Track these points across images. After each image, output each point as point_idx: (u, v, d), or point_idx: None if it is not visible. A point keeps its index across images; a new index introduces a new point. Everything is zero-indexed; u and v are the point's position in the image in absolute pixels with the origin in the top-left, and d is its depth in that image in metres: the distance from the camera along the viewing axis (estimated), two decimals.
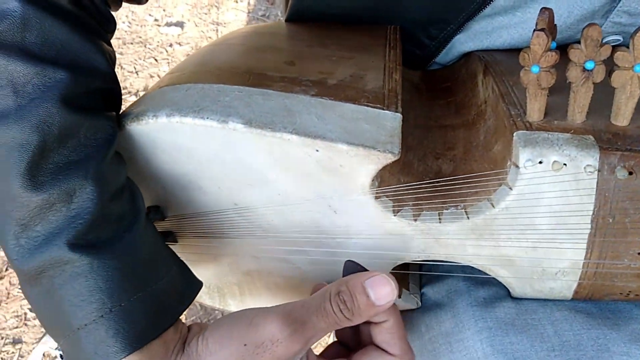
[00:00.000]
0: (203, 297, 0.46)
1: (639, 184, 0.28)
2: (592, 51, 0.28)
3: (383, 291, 0.29)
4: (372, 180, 0.32)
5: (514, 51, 0.41)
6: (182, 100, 0.33)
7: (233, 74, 0.36)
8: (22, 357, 0.93)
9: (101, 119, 0.31)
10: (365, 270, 0.32)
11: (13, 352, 0.94)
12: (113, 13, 0.36)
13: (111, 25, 0.35)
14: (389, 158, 0.31)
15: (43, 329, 0.95)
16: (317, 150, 0.31)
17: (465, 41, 0.44)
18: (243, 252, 0.40)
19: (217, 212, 0.37)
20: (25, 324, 0.98)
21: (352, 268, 0.32)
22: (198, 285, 0.33)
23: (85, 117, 0.30)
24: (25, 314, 0.99)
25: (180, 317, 0.31)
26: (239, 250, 0.39)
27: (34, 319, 0.98)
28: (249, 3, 1.82)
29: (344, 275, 0.32)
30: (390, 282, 0.30)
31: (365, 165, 0.31)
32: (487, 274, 0.36)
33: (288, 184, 0.34)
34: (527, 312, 0.35)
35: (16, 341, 0.96)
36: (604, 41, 0.39)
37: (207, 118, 0.32)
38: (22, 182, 0.27)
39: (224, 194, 0.36)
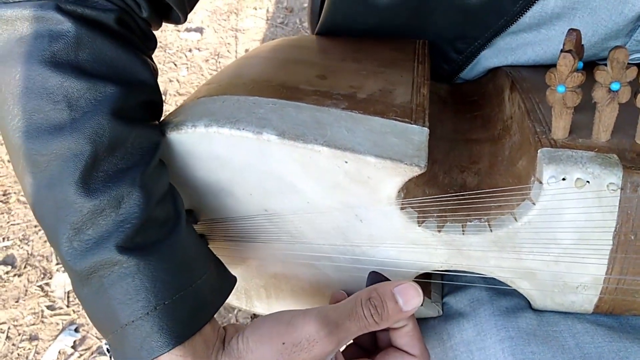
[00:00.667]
0: (230, 298, 0.47)
1: None
2: (618, 73, 0.29)
3: (410, 298, 0.32)
4: (398, 192, 0.33)
5: (540, 67, 0.42)
6: (219, 111, 0.35)
7: (267, 87, 0.38)
8: (38, 353, 0.96)
9: (147, 128, 0.33)
10: (388, 280, 0.34)
11: (29, 349, 0.97)
12: (154, 32, 0.38)
13: (152, 43, 0.37)
14: (416, 171, 0.32)
15: (59, 327, 0.98)
16: (346, 162, 0.33)
17: (490, 57, 0.45)
18: (271, 256, 0.41)
19: (247, 217, 0.39)
20: (42, 322, 1.00)
21: (376, 278, 0.35)
22: (233, 280, 0.36)
23: (133, 127, 0.32)
24: (42, 311, 1.02)
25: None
26: (267, 254, 0.41)
27: (51, 316, 1.01)
28: (267, 10, 1.84)
29: (367, 285, 0.34)
30: (417, 289, 0.32)
31: (392, 177, 0.32)
32: (509, 285, 0.37)
33: (317, 193, 0.35)
34: (549, 323, 0.36)
35: (33, 338, 0.98)
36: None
37: (243, 129, 0.33)
38: (77, 190, 0.30)
39: (254, 201, 0.37)
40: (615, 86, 0.29)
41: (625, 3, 0.37)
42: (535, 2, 0.38)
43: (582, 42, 0.38)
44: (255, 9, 1.85)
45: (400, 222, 0.35)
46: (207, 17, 1.82)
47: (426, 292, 0.41)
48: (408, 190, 0.35)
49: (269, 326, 0.32)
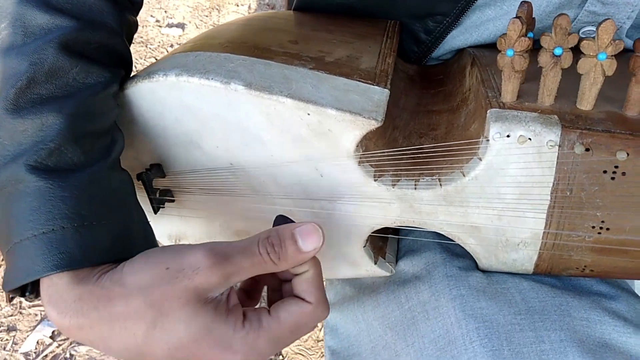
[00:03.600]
0: None
1: (594, 160, 0.31)
2: (561, 39, 0.31)
3: (310, 238, 0.31)
4: (357, 147, 0.35)
5: None
6: (191, 63, 0.37)
7: (240, 47, 0.39)
8: (16, 344, 0.95)
9: (95, 67, 0.35)
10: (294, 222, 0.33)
11: (7, 339, 0.96)
12: None
13: (137, 6, 0.39)
14: (373, 125, 0.34)
15: (37, 318, 0.97)
16: (309, 114, 0.34)
17: (457, 35, 0.47)
18: (234, 212, 0.42)
19: (213, 170, 0.40)
20: (20, 312, 0.99)
21: (282, 221, 0.34)
22: (150, 244, 0.34)
23: (79, 62, 0.34)
24: (21, 302, 1.01)
25: None
26: (231, 209, 0.42)
27: (29, 307, 1.00)
28: (249, 7, 1.86)
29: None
30: (318, 230, 0.31)
31: (351, 130, 0.34)
32: (462, 247, 0.39)
33: (280, 146, 0.37)
34: (498, 282, 0.38)
35: (11, 329, 0.97)
36: (580, 32, 0.43)
37: (212, 79, 0.35)
38: (6, 105, 0.31)
39: (220, 154, 0.39)
40: (558, 51, 0.31)
41: None
42: None
43: (537, 12, 0.41)
44: (237, 5, 1.87)
45: (358, 176, 0.36)
46: (189, 12, 1.83)
47: (381, 252, 0.43)
48: (367, 149, 0.37)
49: (158, 253, 0.31)
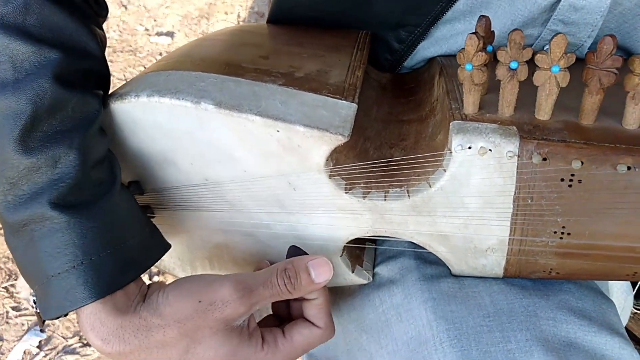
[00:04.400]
0: (176, 270, 0.49)
1: (551, 169, 0.32)
2: (516, 52, 0.32)
3: (322, 271, 0.36)
4: (327, 160, 0.36)
5: None
6: (163, 83, 0.38)
7: (212, 64, 0.40)
8: (2, 354, 0.95)
9: (89, 96, 0.35)
10: (307, 254, 0.38)
11: None
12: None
13: (103, 10, 0.40)
14: (340, 140, 0.35)
15: (24, 328, 0.97)
16: (278, 131, 0.35)
17: (428, 47, 0.48)
18: (213, 226, 0.43)
19: (189, 186, 0.41)
20: (7, 322, 1.00)
21: (295, 252, 0.39)
22: (165, 247, 0.38)
23: (75, 93, 0.34)
24: (7, 312, 1.01)
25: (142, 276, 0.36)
26: (209, 223, 0.43)
27: (16, 317, 1.00)
28: (238, 15, 1.87)
29: (287, 258, 0.38)
30: (329, 264, 0.36)
31: (320, 145, 0.35)
32: (435, 255, 0.40)
33: (252, 162, 0.38)
34: (469, 286, 0.39)
35: None
36: (544, 48, 0.44)
37: (183, 99, 0.36)
38: (15, 147, 0.31)
39: (195, 170, 0.40)
40: (513, 64, 0.32)
41: None
42: None
43: (502, 30, 0.42)
44: (226, 14, 1.88)
45: (329, 189, 0.37)
46: (178, 21, 1.83)
47: (359, 260, 0.44)
48: (338, 162, 0.38)
49: (189, 284, 0.34)
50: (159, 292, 0.34)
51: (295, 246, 0.39)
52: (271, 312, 0.41)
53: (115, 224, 0.34)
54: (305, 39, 0.47)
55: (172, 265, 0.50)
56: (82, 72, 0.35)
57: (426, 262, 0.42)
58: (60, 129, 0.33)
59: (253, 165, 0.38)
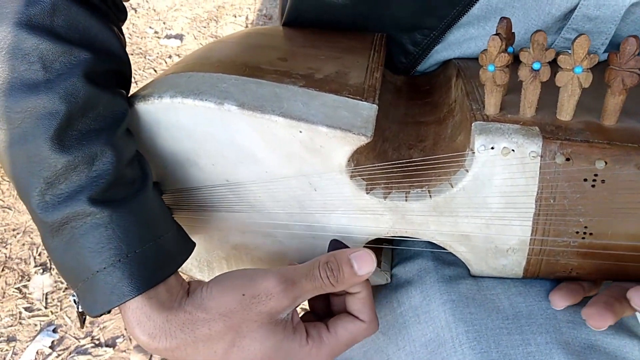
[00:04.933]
0: (193, 271, 0.50)
1: (574, 169, 0.33)
2: (539, 53, 0.33)
3: (365, 263, 0.35)
4: (349, 161, 0.37)
5: None
6: (185, 84, 0.38)
7: (231, 66, 0.41)
8: (15, 354, 0.96)
9: (117, 95, 0.36)
10: (348, 247, 0.37)
11: (7, 350, 0.97)
12: (125, 4, 0.41)
13: (123, 14, 0.40)
14: (363, 140, 0.35)
15: (37, 328, 0.98)
16: (301, 132, 0.36)
17: (441, 51, 0.49)
18: (232, 227, 0.44)
19: (210, 187, 0.41)
20: (20, 323, 1.01)
21: (337, 245, 0.38)
22: (193, 243, 0.38)
23: (104, 92, 0.34)
24: (20, 312, 1.02)
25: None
26: (228, 224, 0.44)
27: (29, 317, 1.01)
28: (247, 18, 1.88)
29: (328, 252, 0.37)
30: (372, 256, 0.35)
31: (342, 146, 0.36)
32: (453, 256, 0.40)
33: (275, 162, 0.38)
34: (488, 288, 0.39)
35: (10, 339, 0.99)
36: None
37: (206, 100, 0.36)
38: (51, 146, 0.32)
39: (217, 171, 0.40)
40: (536, 65, 0.33)
41: (552, 4, 0.42)
42: None
43: (517, 37, 0.43)
44: (235, 17, 1.89)
45: (350, 190, 0.38)
46: (187, 24, 1.85)
47: (376, 261, 0.44)
48: (359, 163, 0.38)
49: (232, 279, 0.34)
50: (202, 287, 0.34)
51: (337, 240, 0.38)
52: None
53: (152, 218, 0.34)
54: (321, 41, 0.48)
55: (189, 266, 0.50)
56: (109, 72, 0.36)
57: (444, 263, 0.42)
58: (94, 127, 0.33)
59: (275, 166, 0.38)
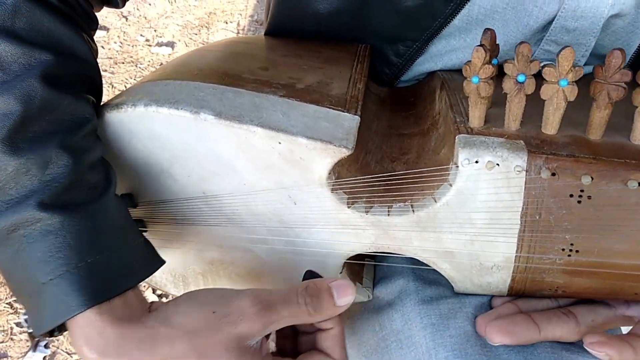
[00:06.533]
0: (168, 286, 0.48)
1: (560, 184, 0.32)
2: (523, 65, 0.32)
3: (344, 293, 0.33)
4: (329, 174, 0.35)
5: None
6: (160, 92, 0.36)
7: (211, 74, 0.39)
8: None
9: (81, 100, 0.34)
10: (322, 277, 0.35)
11: None
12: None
13: (93, 24, 0.39)
14: (344, 152, 0.34)
15: (29, 344, 0.95)
16: (280, 143, 0.34)
17: (424, 62, 0.48)
18: (208, 241, 0.42)
19: (186, 199, 0.40)
20: (12, 339, 0.98)
21: (312, 275, 0.36)
22: (161, 261, 0.35)
23: (65, 95, 0.33)
24: (12, 328, 1.00)
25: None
26: (205, 238, 0.42)
27: (20, 333, 0.98)
28: (238, 24, 1.88)
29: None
30: (352, 286, 0.33)
31: (322, 158, 0.34)
32: (435, 274, 0.39)
33: (253, 174, 0.37)
34: (470, 304, 0.38)
35: (2, 355, 0.96)
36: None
37: (181, 109, 0.35)
38: (2, 148, 0.30)
39: (193, 182, 0.39)
40: (521, 77, 0.32)
41: (530, 16, 0.41)
42: (464, 5, 0.42)
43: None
44: (227, 23, 1.88)
45: (331, 203, 0.36)
46: (178, 31, 1.83)
47: (358, 277, 0.43)
48: (340, 176, 0.37)
49: (204, 294, 0.32)
50: (168, 302, 0.32)
51: (312, 271, 0.36)
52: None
53: (111, 227, 0.32)
54: (304, 51, 0.47)
55: (164, 281, 0.48)
56: (73, 76, 0.34)
57: (425, 282, 0.41)
58: (50, 130, 0.31)
59: (253, 178, 0.37)
